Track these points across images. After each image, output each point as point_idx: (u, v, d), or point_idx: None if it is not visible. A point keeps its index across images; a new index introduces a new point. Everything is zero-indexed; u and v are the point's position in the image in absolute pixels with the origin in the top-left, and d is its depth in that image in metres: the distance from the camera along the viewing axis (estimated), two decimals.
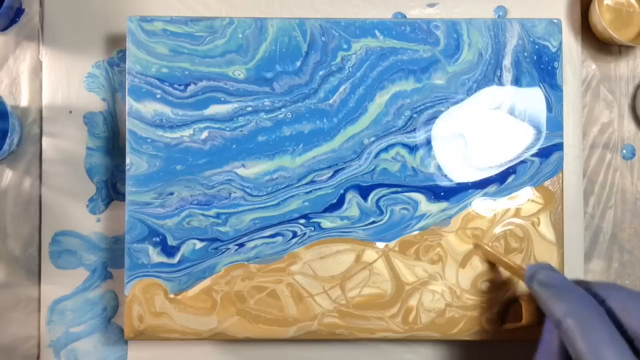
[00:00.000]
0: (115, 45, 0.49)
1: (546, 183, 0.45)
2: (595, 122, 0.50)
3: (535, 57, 0.46)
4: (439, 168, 0.45)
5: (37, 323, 0.48)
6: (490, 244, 0.45)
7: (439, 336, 0.45)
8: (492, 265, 0.45)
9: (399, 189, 0.45)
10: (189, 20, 0.45)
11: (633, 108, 0.50)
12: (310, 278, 0.45)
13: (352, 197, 0.45)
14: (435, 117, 0.46)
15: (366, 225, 0.45)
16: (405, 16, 0.49)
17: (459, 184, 0.45)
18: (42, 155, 0.48)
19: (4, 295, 0.48)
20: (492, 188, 0.45)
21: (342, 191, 0.45)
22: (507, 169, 0.45)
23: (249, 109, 0.45)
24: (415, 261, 0.45)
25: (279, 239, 0.45)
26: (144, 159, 0.45)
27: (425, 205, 0.45)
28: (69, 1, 0.49)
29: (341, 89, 0.45)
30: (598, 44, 0.50)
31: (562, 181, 0.46)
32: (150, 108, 0.45)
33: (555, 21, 0.46)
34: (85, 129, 0.48)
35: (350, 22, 0.46)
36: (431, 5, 0.50)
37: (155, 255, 0.45)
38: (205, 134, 0.45)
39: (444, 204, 0.45)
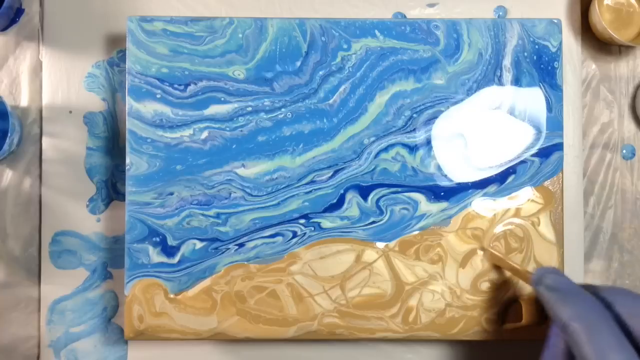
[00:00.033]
0: (115, 45, 0.49)
1: (546, 183, 0.45)
2: (595, 122, 0.50)
3: (535, 57, 0.46)
4: (439, 168, 0.45)
5: (37, 323, 0.48)
6: (491, 244, 0.45)
7: (439, 336, 0.45)
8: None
9: (399, 189, 0.45)
10: (189, 20, 0.45)
11: (633, 108, 0.50)
12: (310, 278, 0.45)
13: (352, 197, 0.45)
14: (435, 117, 0.46)
15: (366, 225, 0.45)
16: (405, 16, 0.49)
17: (459, 184, 0.45)
18: (42, 155, 0.48)
19: (4, 295, 0.48)
20: (492, 188, 0.45)
21: (342, 191, 0.45)
22: (507, 169, 0.45)
23: (249, 109, 0.45)
24: (415, 261, 0.45)
25: (279, 239, 0.45)
26: (144, 159, 0.45)
27: (425, 205, 0.45)
28: (69, 1, 0.49)
29: (341, 89, 0.45)
30: (598, 44, 0.50)
31: (562, 181, 0.46)
32: (150, 108, 0.45)
33: (555, 21, 0.46)
34: (85, 129, 0.48)
35: (350, 22, 0.46)
36: (431, 5, 0.50)
37: (155, 255, 0.45)
38: (205, 134, 0.45)
39: (444, 204, 0.45)
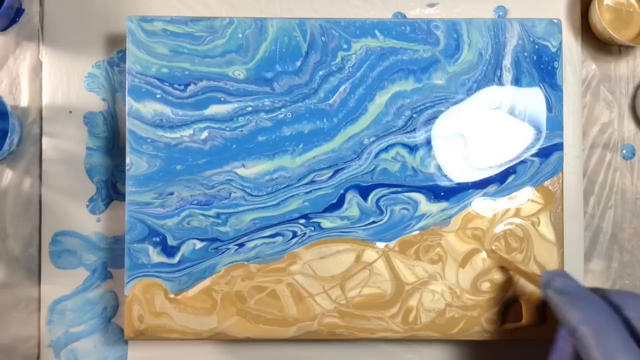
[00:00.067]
0: (115, 45, 0.49)
1: (546, 183, 0.45)
2: (595, 122, 0.50)
3: (535, 57, 0.46)
4: (439, 168, 0.45)
5: (37, 323, 0.48)
6: (493, 246, 0.45)
7: (439, 336, 0.45)
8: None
9: (399, 189, 0.45)
10: (189, 20, 0.45)
11: (633, 108, 0.50)
12: (310, 278, 0.45)
13: (352, 197, 0.45)
14: (435, 117, 0.46)
15: (366, 225, 0.45)
16: (405, 16, 0.49)
17: (459, 184, 0.45)
18: (42, 155, 0.48)
19: (4, 295, 0.48)
20: (492, 188, 0.45)
21: (342, 191, 0.45)
22: (507, 169, 0.45)
23: (249, 109, 0.45)
24: (415, 261, 0.45)
25: (279, 239, 0.45)
26: (144, 159, 0.45)
27: (425, 205, 0.45)
28: (69, 1, 0.49)
29: (341, 89, 0.45)
30: (598, 44, 0.50)
31: (562, 181, 0.46)
32: (150, 108, 0.45)
33: (555, 21, 0.46)
34: (85, 129, 0.48)
35: (350, 22, 0.46)
36: (431, 5, 0.50)
37: (155, 255, 0.45)
38: (205, 134, 0.45)
39: (444, 204, 0.45)
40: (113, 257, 0.48)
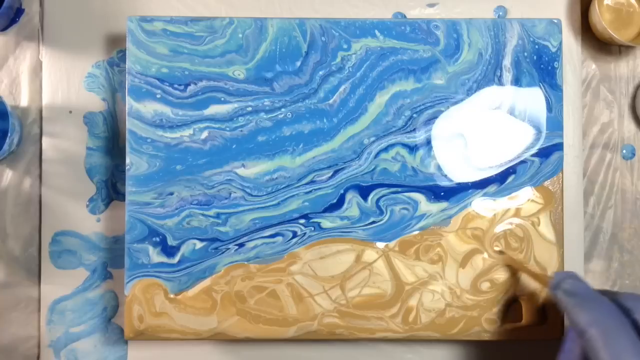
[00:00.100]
0: (115, 45, 0.49)
1: (546, 183, 0.45)
2: (595, 122, 0.50)
3: (535, 57, 0.46)
4: (439, 168, 0.45)
5: (37, 323, 0.48)
6: (496, 246, 0.45)
7: (439, 336, 0.45)
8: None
9: (399, 189, 0.45)
10: (189, 20, 0.45)
11: (633, 108, 0.50)
12: (310, 278, 0.45)
13: (352, 197, 0.45)
14: (435, 117, 0.45)
15: (366, 225, 0.45)
16: (405, 16, 0.49)
17: (459, 184, 0.45)
18: (42, 155, 0.48)
19: (4, 295, 0.48)
20: (492, 188, 0.45)
21: (342, 191, 0.45)
22: (507, 169, 0.45)
23: (249, 109, 0.45)
24: (415, 261, 0.45)
25: (279, 239, 0.45)
26: (144, 159, 0.45)
27: (425, 205, 0.45)
28: (69, 1, 0.49)
29: (341, 89, 0.45)
30: (598, 44, 0.50)
31: (562, 181, 0.46)
32: (150, 108, 0.45)
33: (555, 21, 0.46)
34: (85, 129, 0.48)
35: (350, 22, 0.46)
36: (431, 5, 0.50)
37: (155, 255, 0.45)
38: (205, 134, 0.45)
39: (444, 204, 0.45)
40: (113, 257, 0.48)
